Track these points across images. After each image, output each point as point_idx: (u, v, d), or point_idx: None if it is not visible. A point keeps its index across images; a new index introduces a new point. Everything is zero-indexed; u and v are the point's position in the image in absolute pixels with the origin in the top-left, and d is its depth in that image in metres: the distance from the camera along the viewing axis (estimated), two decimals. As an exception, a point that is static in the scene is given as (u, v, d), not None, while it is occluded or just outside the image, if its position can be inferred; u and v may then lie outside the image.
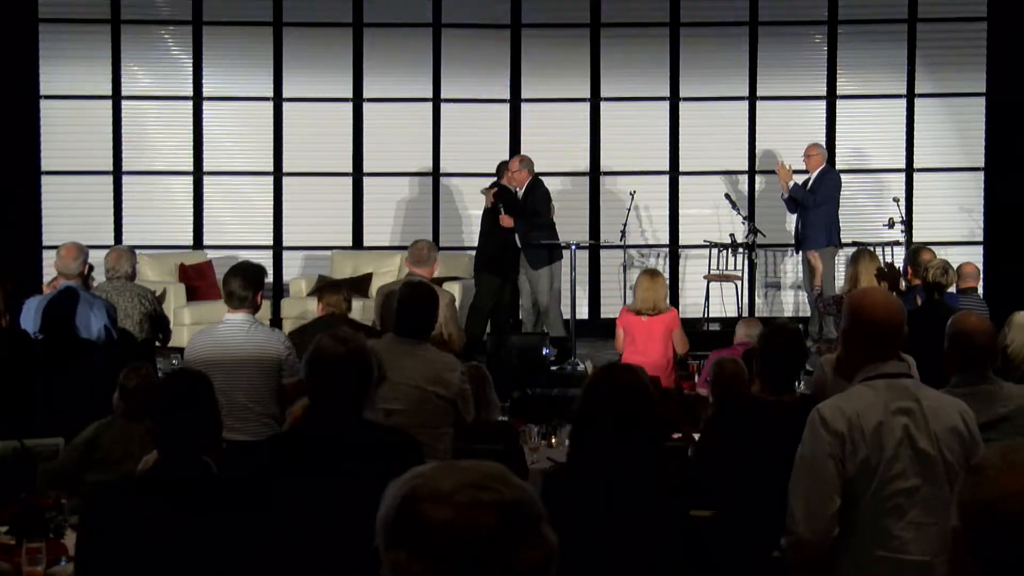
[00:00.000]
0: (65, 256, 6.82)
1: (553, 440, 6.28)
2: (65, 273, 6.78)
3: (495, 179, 10.72)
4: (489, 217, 10.40)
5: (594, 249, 12.04)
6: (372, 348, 3.91)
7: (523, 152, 11.21)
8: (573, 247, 10.23)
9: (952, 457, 3.43)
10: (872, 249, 8.54)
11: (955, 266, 8.19)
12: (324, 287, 7.66)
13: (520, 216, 10.15)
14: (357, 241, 12.12)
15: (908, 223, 11.37)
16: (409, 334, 5.22)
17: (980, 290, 8.90)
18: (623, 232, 11.01)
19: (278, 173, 12.15)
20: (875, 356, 3.49)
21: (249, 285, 5.73)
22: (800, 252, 10.90)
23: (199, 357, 5.63)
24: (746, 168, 12.29)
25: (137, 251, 9.45)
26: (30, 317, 6.75)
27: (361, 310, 9.49)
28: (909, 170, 12.31)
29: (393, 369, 5.05)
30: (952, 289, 7.60)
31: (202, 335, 5.88)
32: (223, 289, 5.82)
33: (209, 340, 5.74)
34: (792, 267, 12.05)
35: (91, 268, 7.29)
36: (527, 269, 10.27)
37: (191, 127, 12.05)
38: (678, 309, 11.91)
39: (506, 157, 11.77)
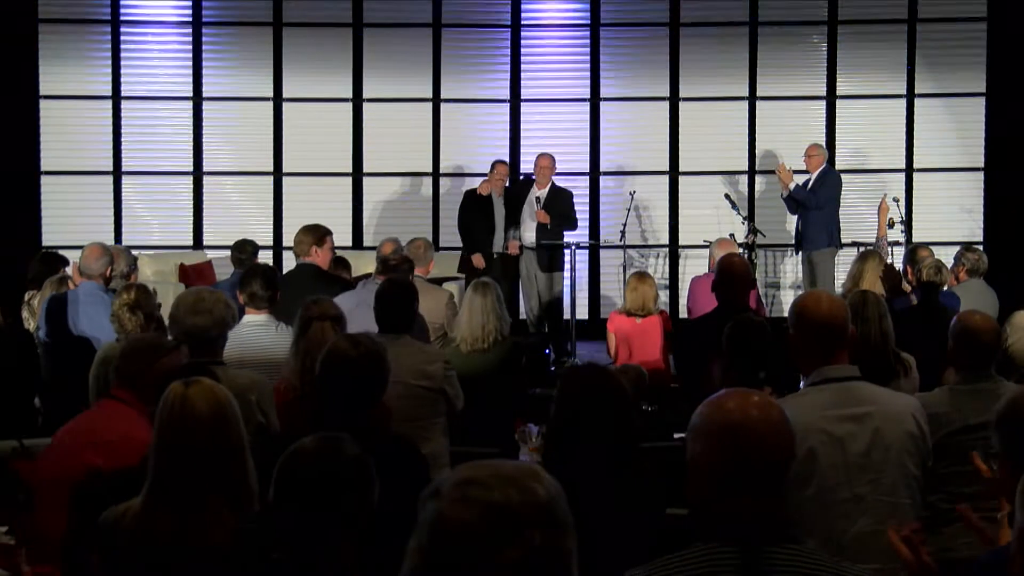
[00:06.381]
0: (88, 256, 6.75)
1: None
2: (86, 272, 6.71)
3: (484, 178, 10.70)
4: (484, 214, 10.40)
5: (594, 249, 12.03)
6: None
7: (523, 152, 11.19)
8: (573, 247, 10.22)
9: (908, 461, 3.41)
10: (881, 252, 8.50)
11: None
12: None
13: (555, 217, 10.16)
14: (357, 241, 12.10)
15: (908, 223, 11.35)
16: (389, 329, 5.22)
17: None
18: (623, 232, 10.99)
19: (278, 173, 12.14)
20: (822, 357, 3.48)
21: (269, 286, 5.72)
22: (800, 252, 10.89)
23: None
24: (746, 168, 12.29)
25: (137, 251, 9.47)
26: (43, 316, 6.70)
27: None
28: (909, 170, 12.31)
29: None
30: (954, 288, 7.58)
31: None
32: (243, 291, 5.76)
33: (232, 341, 5.46)
34: (792, 267, 12.03)
35: (132, 270, 7.29)
36: (536, 270, 10.27)
37: (191, 127, 12.04)
38: (677, 309, 12.00)
39: (506, 157, 11.79)
